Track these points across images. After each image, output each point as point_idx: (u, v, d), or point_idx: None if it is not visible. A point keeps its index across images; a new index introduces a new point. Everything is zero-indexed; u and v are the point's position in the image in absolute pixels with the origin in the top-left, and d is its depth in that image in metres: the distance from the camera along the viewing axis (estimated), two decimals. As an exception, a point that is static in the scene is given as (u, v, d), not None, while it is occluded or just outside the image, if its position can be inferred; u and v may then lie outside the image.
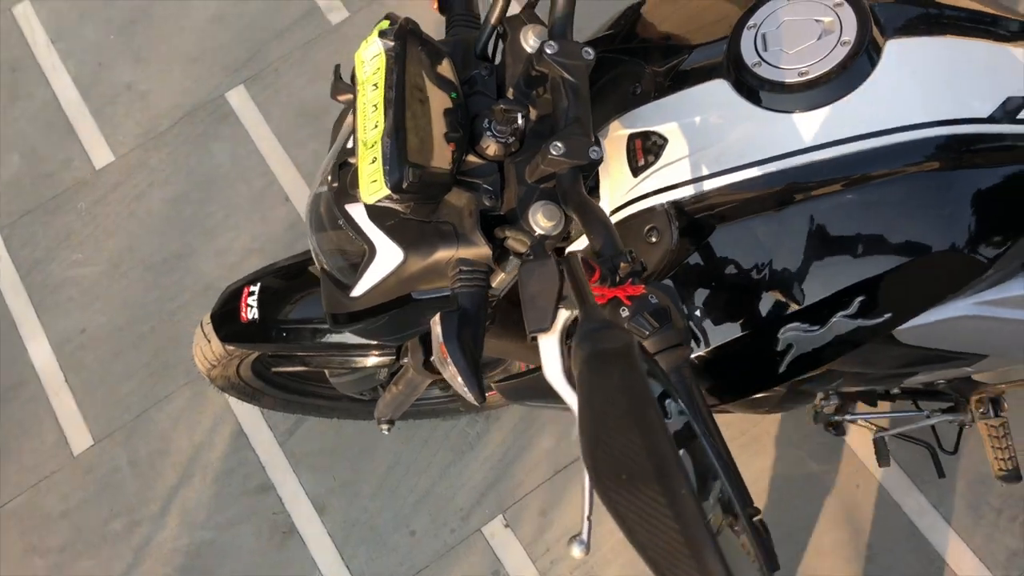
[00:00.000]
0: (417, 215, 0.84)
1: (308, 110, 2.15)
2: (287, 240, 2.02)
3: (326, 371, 1.44)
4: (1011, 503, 1.65)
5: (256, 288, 1.30)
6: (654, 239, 0.91)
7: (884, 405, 1.50)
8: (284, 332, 1.28)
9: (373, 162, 0.79)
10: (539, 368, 0.79)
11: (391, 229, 0.88)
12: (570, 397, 0.73)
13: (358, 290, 0.93)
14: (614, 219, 0.95)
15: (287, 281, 1.31)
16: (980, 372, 1.22)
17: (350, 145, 0.94)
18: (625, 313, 0.68)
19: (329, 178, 0.94)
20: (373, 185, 0.79)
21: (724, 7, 0.96)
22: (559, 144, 0.79)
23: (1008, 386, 1.37)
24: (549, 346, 0.73)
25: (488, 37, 0.91)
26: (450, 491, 1.78)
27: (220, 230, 2.05)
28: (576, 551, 0.71)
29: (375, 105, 0.81)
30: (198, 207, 2.08)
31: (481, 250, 0.83)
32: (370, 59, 0.83)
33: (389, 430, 1.33)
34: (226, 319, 1.31)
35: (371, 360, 1.32)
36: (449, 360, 0.81)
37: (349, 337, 1.25)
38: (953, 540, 1.65)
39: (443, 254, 0.85)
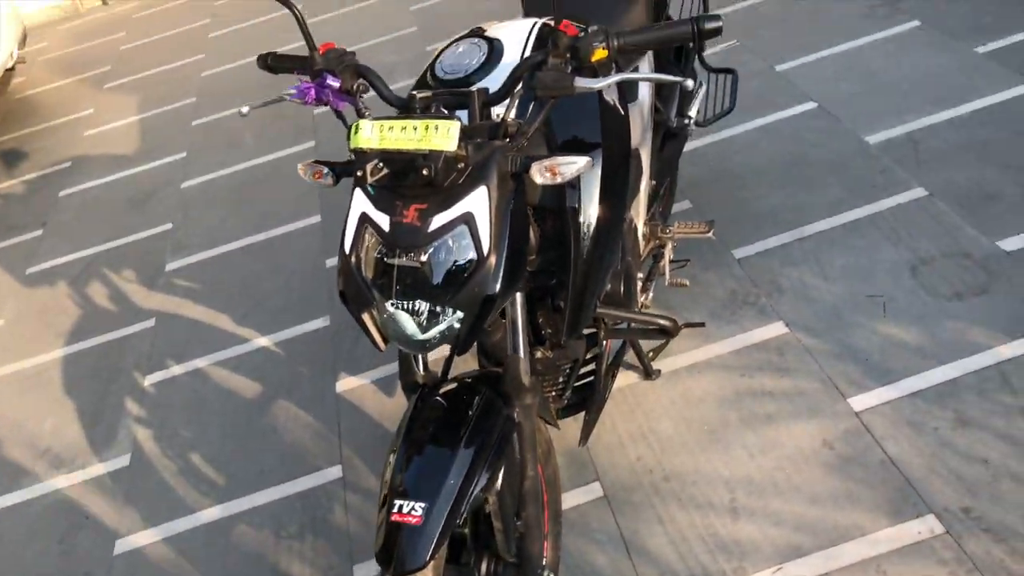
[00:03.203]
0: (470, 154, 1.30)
1: None
2: None
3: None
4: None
5: (398, 502, 1.35)
6: None
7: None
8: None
9: (433, 129, 1.27)
10: None
11: (457, 193, 1.30)
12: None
13: (487, 244, 1.29)
14: None
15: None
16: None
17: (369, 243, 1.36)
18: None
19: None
20: (449, 131, 1.26)
21: None
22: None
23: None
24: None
25: None
26: None
27: None
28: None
29: (402, 127, 1.29)
30: None
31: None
32: (371, 130, 1.30)
33: None
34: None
35: None
36: (563, 160, 1.29)
37: None
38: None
39: (496, 143, 1.32)
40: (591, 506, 2.08)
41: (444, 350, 1.46)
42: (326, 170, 1.46)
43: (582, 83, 1.31)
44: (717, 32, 1.31)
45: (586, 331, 1.86)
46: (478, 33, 1.69)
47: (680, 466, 2.11)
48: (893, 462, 1.97)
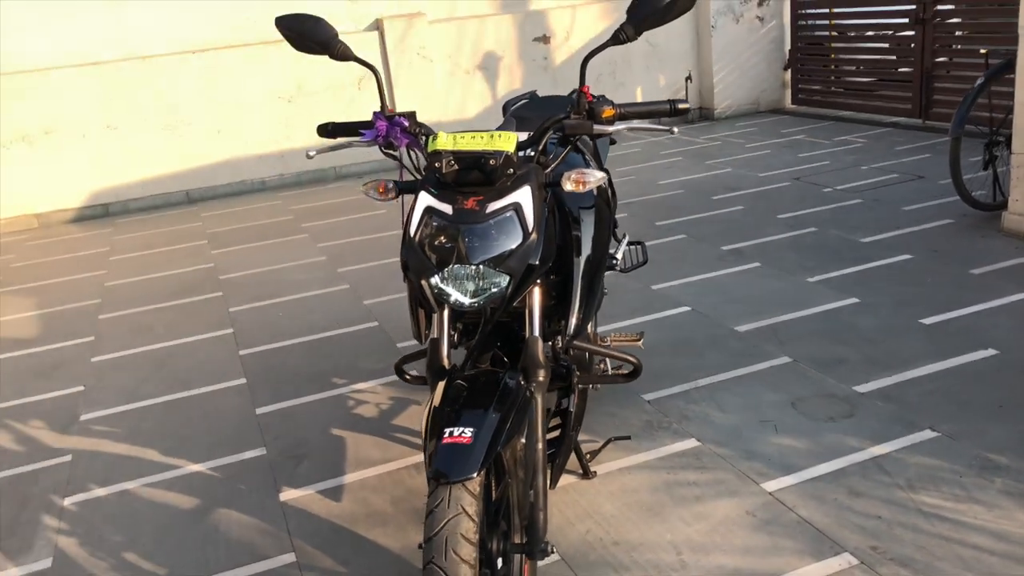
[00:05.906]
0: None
1: None
2: None
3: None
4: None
5: (448, 428, 1.58)
6: None
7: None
8: None
9: (497, 136, 1.71)
10: None
11: (508, 189, 1.73)
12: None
13: (531, 226, 1.69)
14: None
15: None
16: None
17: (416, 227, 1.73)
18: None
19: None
20: (510, 139, 1.71)
21: None
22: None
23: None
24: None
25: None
26: None
27: None
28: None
29: (472, 136, 1.72)
30: None
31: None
32: (447, 138, 1.72)
33: None
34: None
35: None
36: (588, 172, 1.76)
37: None
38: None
39: (533, 164, 1.77)
40: (550, 567, 2.24)
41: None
42: (391, 184, 1.85)
43: (598, 128, 1.83)
44: (687, 111, 1.89)
45: (558, 385, 2.19)
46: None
47: (627, 535, 2.34)
48: (807, 521, 2.31)
